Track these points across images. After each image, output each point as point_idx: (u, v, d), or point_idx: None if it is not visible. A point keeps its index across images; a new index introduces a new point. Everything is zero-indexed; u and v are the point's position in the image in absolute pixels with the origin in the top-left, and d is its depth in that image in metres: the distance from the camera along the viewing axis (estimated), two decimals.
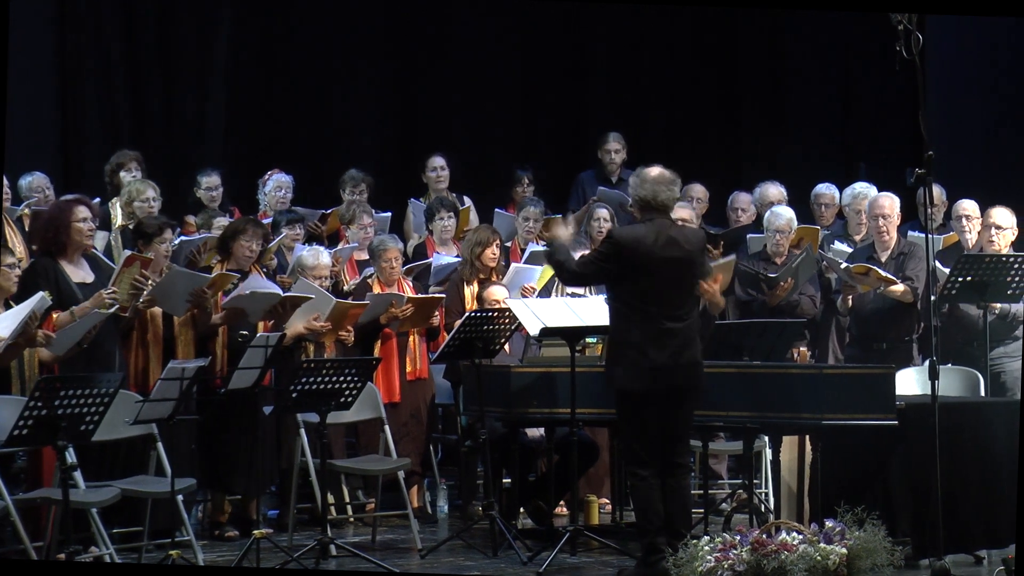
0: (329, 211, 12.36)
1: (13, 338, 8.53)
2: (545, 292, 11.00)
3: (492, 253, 10.95)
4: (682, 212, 11.06)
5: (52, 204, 10.32)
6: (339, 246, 11.57)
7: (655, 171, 8.74)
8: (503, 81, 14.97)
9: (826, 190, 12.23)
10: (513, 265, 11.31)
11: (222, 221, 11.12)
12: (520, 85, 15.08)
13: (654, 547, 8.56)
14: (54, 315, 8.91)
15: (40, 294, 8.66)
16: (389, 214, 12.39)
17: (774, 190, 12.28)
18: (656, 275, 8.55)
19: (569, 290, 10.73)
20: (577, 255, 10.57)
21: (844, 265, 10.33)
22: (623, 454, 8.80)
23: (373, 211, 11.92)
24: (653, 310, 8.53)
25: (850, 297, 10.52)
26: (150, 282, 9.54)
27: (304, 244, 11.16)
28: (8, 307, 8.74)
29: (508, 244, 12.04)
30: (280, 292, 10.03)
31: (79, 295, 9.14)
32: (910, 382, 9.70)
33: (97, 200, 10.68)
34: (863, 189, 11.56)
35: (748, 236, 11.71)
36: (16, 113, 13.00)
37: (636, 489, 8.74)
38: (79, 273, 9.37)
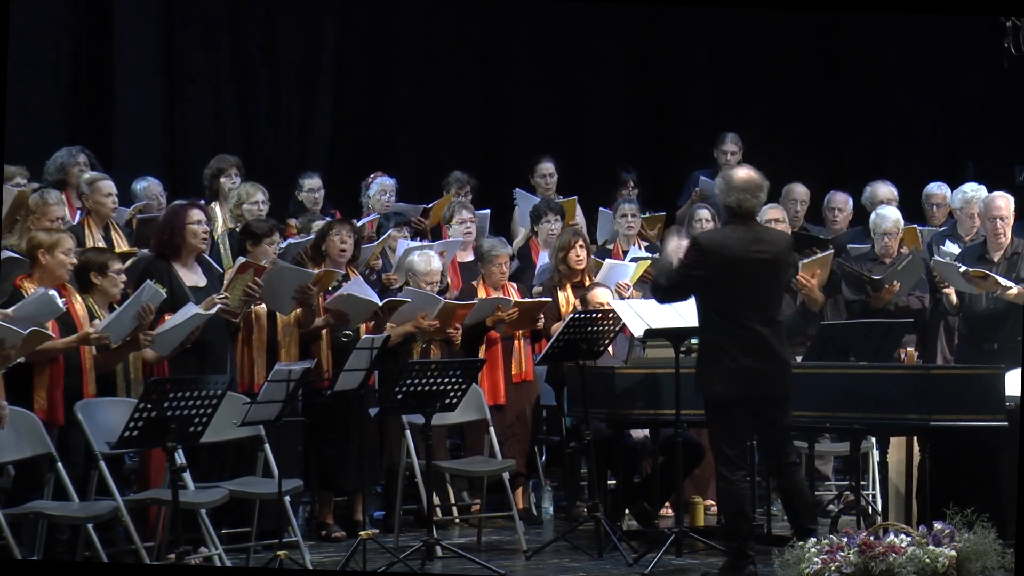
0: (431, 204, 12.40)
1: (122, 338, 8.65)
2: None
3: (576, 256, 10.92)
4: (773, 212, 11.01)
5: (167, 207, 10.42)
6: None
7: (741, 176, 8.58)
8: (606, 82, 14.96)
9: (937, 190, 12.09)
10: (607, 261, 11.28)
11: (320, 224, 11.15)
12: (622, 86, 15.06)
13: (742, 552, 8.51)
14: (166, 316, 9.00)
15: (149, 284, 8.74)
16: (487, 211, 12.40)
17: (884, 189, 12.18)
18: (743, 278, 8.45)
19: None
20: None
21: (963, 269, 10.14)
22: (714, 457, 8.75)
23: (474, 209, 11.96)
24: (741, 313, 8.44)
25: (952, 292, 10.42)
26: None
27: (408, 240, 11.20)
28: (112, 311, 8.83)
29: (610, 247, 12.02)
30: (378, 301, 10.02)
31: (192, 298, 9.20)
32: (1020, 382, 9.57)
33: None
34: (974, 191, 11.37)
35: (848, 245, 11.56)
36: (123, 117, 13.27)
37: (725, 493, 8.66)
38: (192, 276, 9.44)
